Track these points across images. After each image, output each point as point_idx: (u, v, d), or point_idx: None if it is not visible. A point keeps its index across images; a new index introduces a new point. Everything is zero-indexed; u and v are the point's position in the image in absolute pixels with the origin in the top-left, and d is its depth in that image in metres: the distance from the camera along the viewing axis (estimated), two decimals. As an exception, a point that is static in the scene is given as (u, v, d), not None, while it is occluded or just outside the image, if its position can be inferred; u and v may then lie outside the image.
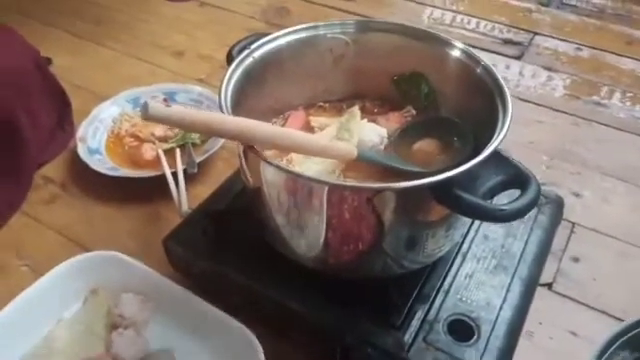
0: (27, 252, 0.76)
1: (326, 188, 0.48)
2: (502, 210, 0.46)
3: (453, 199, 0.46)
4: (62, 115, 0.91)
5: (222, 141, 0.87)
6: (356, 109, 0.63)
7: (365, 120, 0.63)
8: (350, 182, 0.52)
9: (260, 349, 0.57)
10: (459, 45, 0.61)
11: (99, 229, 0.79)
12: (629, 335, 0.48)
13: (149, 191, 0.82)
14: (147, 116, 0.40)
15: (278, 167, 0.48)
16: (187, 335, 0.63)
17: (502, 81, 0.56)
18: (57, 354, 0.62)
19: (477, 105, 0.58)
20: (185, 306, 0.63)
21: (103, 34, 1.19)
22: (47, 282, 0.65)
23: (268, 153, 0.51)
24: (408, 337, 0.55)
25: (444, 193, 0.46)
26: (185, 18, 1.26)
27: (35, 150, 0.84)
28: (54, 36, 1.16)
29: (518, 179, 0.48)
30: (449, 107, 0.65)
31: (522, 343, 0.62)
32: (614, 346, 0.47)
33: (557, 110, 1.01)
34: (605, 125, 0.98)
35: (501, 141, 0.49)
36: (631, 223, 0.81)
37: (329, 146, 0.52)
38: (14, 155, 0.81)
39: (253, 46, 0.60)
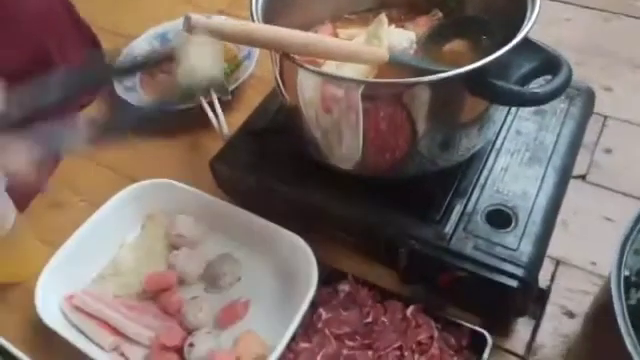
0: (82, 189, 0.81)
1: (362, 87, 0.50)
2: (536, 93, 0.47)
3: (487, 87, 0.48)
4: (93, 57, 0.94)
5: (252, 68, 0.89)
6: (383, 16, 0.63)
7: (393, 26, 0.63)
8: (384, 79, 0.54)
9: (310, 252, 0.62)
10: (483, -61, 0.61)
11: (145, 161, 0.83)
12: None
13: (187, 122, 0.85)
14: (190, 28, 0.42)
15: (314, 71, 0.50)
16: (240, 247, 0.68)
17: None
18: (123, 274, 0.68)
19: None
20: (236, 221, 0.68)
21: (122, -26, 1.19)
22: (107, 210, 0.70)
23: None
24: (449, 229, 0.58)
25: (478, 83, 0.48)
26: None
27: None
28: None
29: (549, 64, 0.50)
30: (475, 6, 0.65)
31: (558, 232, 0.65)
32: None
33: (585, 6, 0.99)
34: (635, 17, 0.96)
35: (532, 26, 0.49)
36: (664, 112, 0.81)
37: (361, 50, 0.54)
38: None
39: (277, -39, 0.60)
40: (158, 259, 0.69)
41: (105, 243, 0.70)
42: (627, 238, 0.48)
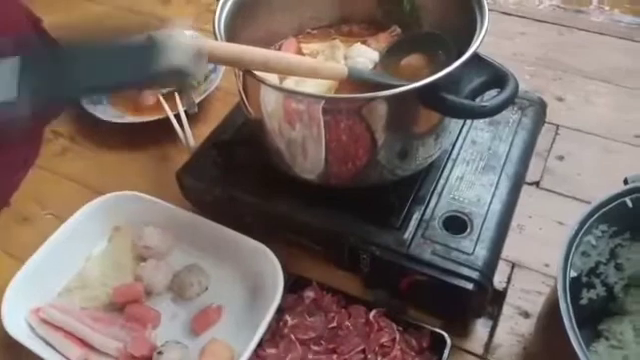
0: (49, 202, 0.81)
1: (322, 102, 0.52)
2: (484, 106, 0.50)
3: (439, 101, 0.50)
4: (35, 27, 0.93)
5: (218, 81, 0.90)
6: (337, 42, 0.67)
7: (359, 43, 0.66)
8: (343, 94, 0.56)
9: (276, 260, 0.63)
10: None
11: (112, 174, 0.84)
12: (605, 209, 0.53)
13: (154, 135, 0.86)
14: (153, 47, 0.43)
15: (276, 87, 0.52)
16: (207, 257, 0.69)
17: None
18: (90, 286, 0.68)
19: (457, 16, 0.61)
20: (203, 232, 0.69)
21: (90, -11, 1.20)
22: (74, 224, 0.70)
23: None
24: (408, 235, 0.60)
25: (430, 96, 0.51)
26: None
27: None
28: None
29: (497, 78, 0.52)
30: (432, 22, 0.68)
31: (514, 236, 0.69)
32: (592, 219, 0.52)
33: (539, 20, 1.04)
34: (585, 31, 1.02)
35: (480, 43, 0.52)
36: (613, 120, 0.85)
37: (321, 66, 0.56)
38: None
39: (239, -22, 0.62)
40: (125, 271, 0.69)
41: (72, 256, 0.70)
42: (572, 241, 0.51)
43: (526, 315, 0.65)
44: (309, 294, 0.64)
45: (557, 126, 0.84)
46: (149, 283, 0.67)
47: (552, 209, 0.74)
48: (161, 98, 0.89)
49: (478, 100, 0.54)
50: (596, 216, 0.53)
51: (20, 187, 0.83)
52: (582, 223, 0.52)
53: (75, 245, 0.70)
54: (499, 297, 0.65)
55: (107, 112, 0.88)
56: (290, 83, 0.60)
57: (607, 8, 1.06)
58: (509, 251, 0.67)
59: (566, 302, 0.47)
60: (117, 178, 0.82)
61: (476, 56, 0.53)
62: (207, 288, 0.67)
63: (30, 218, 0.80)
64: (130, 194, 0.72)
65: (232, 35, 0.59)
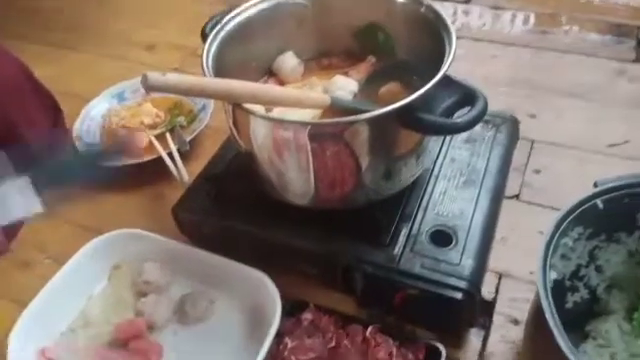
0: (48, 246, 0.83)
1: (308, 128, 0.55)
2: (457, 123, 0.54)
3: (416, 121, 0.54)
4: (55, 120, 0.97)
5: (207, 119, 0.94)
6: (314, 79, 0.71)
7: (337, 75, 0.71)
8: (327, 119, 0.60)
9: (273, 286, 0.65)
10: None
11: (109, 215, 0.86)
12: (578, 211, 0.56)
13: (148, 175, 0.89)
14: (147, 86, 0.47)
15: (264, 117, 0.55)
16: (207, 288, 0.71)
17: (443, 13, 0.63)
18: (92, 325, 0.70)
19: (427, 43, 0.66)
20: (201, 264, 0.71)
21: (76, 40, 1.25)
22: (73, 266, 0.71)
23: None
24: (397, 251, 0.63)
25: (408, 117, 0.55)
26: (151, 11, 1.32)
27: (38, 156, 0.90)
28: (29, 49, 1.20)
29: (468, 97, 0.56)
30: (405, 50, 0.73)
31: (499, 248, 0.72)
32: (566, 222, 0.55)
33: (510, 44, 1.10)
34: (553, 50, 1.07)
35: (449, 66, 0.57)
36: (585, 132, 0.90)
37: (305, 96, 0.60)
38: (20, 162, 0.87)
39: (224, 21, 0.66)
40: (126, 307, 0.71)
41: (73, 297, 0.71)
42: (549, 243, 0.54)
43: (516, 322, 0.67)
44: (307, 316, 0.66)
45: (532, 141, 0.88)
46: (151, 317, 0.69)
47: (533, 220, 0.77)
48: (153, 139, 0.92)
49: (455, 117, 0.58)
50: (570, 218, 0.56)
51: (19, 233, 0.85)
52: (557, 226, 0.55)
53: (75, 286, 0.71)
54: (489, 307, 0.68)
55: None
56: (275, 115, 0.64)
57: (575, 28, 1.12)
58: (495, 263, 0.70)
59: (548, 301, 0.49)
60: (115, 219, 0.84)
61: (446, 78, 0.57)
62: (208, 317, 0.68)
63: (30, 263, 0.81)
64: (127, 232, 0.74)
65: (219, 74, 0.63)
